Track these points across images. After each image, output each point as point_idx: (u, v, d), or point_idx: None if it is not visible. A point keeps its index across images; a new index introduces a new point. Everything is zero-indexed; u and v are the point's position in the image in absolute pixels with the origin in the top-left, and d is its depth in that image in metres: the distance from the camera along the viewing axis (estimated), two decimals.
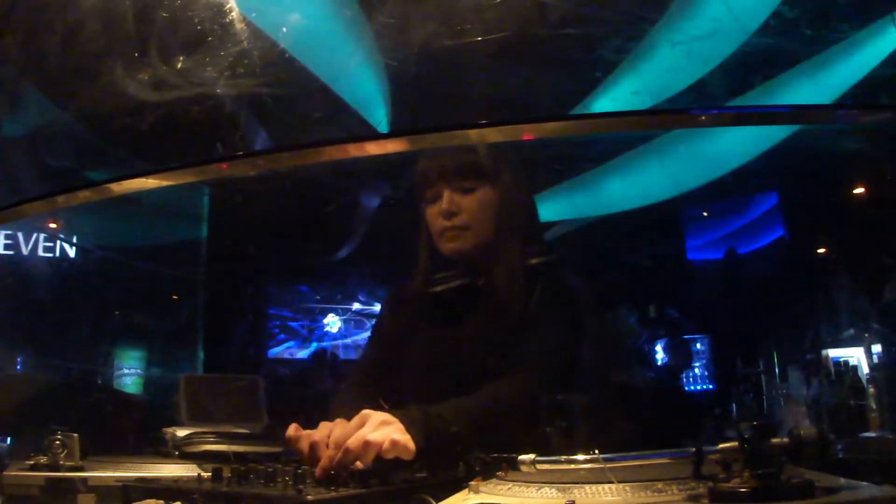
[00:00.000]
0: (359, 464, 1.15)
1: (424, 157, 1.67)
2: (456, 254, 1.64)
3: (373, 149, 1.30)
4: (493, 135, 1.32)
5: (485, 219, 1.62)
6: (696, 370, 5.27)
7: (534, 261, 1.60)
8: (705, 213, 5.54)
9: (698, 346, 5.47)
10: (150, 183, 1.23)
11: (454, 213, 1.62)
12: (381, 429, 1.19)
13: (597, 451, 0.78)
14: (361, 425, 1.20)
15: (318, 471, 1.12)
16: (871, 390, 3.78)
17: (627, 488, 0.75)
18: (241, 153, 1.26)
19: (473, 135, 1.30)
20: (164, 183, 1.22)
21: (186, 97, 1.32)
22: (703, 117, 1.19)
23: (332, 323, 7.84)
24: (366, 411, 1.24)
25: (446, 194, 1.62)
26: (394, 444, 1.16)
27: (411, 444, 1.19)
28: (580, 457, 0.79)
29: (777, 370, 4.61)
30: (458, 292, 1.63)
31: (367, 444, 1.15)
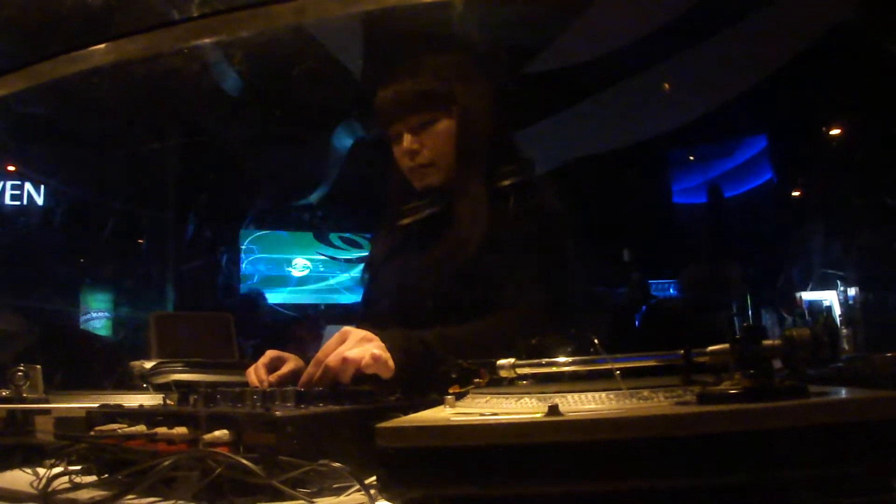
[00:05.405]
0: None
1: (380, 97, 1.65)
2: (428, 190, 1.64)
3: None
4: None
5: (448, 151, 1.61)
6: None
7: (505, 182, 1.57)
8: (691, 157, 5.51)
9: (672, 290, 5.49)
10: (100, 57, 1.14)
11: (416, 152, 1.61)
12: (361, 345, 1.20)
13: (596, 341, 0.74)
14: (342, 342, 1.20)
15: (298, 387, 1.13)
16: (844, 330, 3.84)
17: (611, 395, 0.72)
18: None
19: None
20: (117, 58, 1.14)
21: None
22: None
23: (301, 266, 7.82)
24: (346, 328, 1.24)
25: (405, 135, 1.61)
26: (375, 358, 1.16)
27: (391, 361, 1.19)
28: (562, 359, 0.75)
29: (750, 312, 4.66)
30: (429, 222, 1.62)
31: (345, 361, 1.16)
